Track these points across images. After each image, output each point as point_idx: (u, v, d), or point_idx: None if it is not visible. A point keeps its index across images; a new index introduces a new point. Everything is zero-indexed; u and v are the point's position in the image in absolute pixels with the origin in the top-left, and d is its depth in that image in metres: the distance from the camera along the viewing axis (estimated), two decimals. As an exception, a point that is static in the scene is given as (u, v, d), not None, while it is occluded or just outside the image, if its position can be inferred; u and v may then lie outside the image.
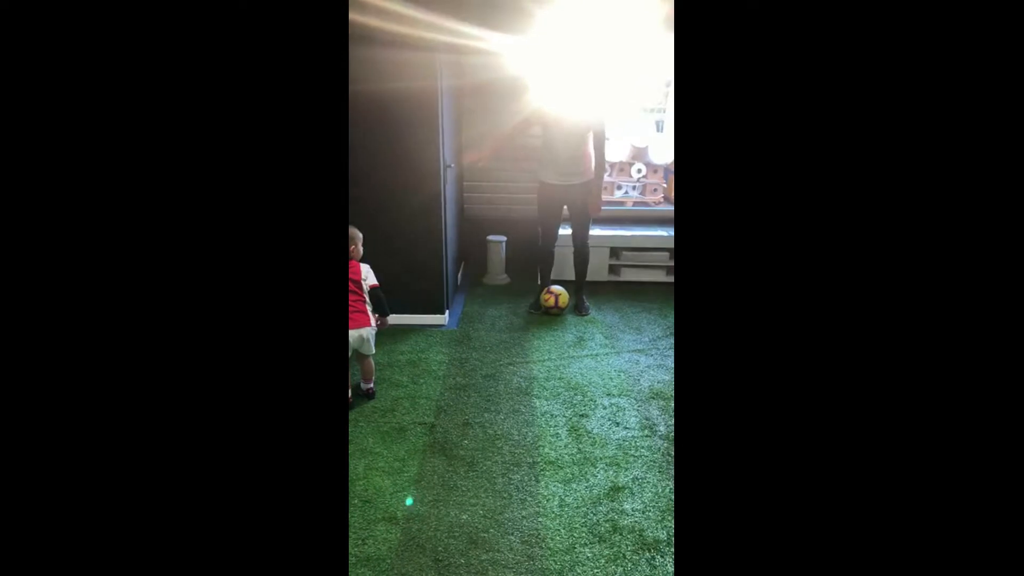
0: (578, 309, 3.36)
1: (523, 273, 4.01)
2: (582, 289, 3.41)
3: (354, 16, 2.50)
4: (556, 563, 1.59)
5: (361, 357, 2.36)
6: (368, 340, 2.30)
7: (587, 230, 3.27)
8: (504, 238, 3.90)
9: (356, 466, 1.98)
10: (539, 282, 3.50)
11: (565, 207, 3.24)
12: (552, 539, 1.67)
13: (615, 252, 3.83)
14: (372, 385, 2.42)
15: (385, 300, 2.40)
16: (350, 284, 2.28)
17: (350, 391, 2.36)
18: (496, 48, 3.35)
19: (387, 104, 2.78)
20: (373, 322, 2.35)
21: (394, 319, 2.86)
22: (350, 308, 2.27)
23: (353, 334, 2.25)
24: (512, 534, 1.69)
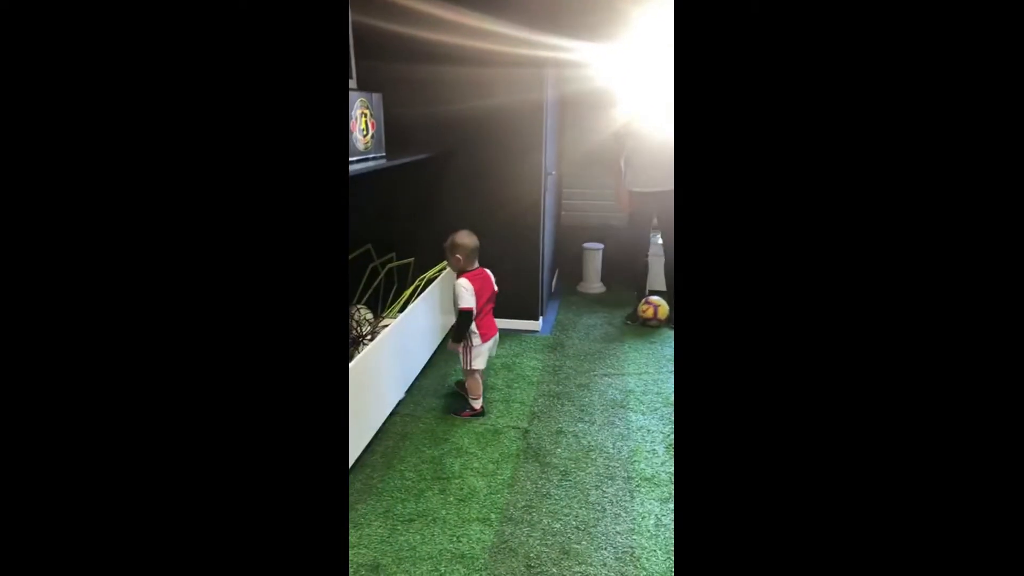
0: (672, 322, 3.25)
1: (619, 282, 3.95)
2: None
3: (469, 41, 2.66)
4: (651, 584, 1.54)
5: None
6: (495, 344, 2.40)
7: None
8: (601, 246, 3.86)
9: (452, 464, 2.04)
10: (635, 292, 3.43)
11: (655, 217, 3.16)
12: (648, 559, 1.62)
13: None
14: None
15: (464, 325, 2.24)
16: (491, 294, 2.32)
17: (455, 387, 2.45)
18: (591, 59, 3.37)
19: (496, 116, 2.86)
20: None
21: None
22: (489, 318, 2.33)
23: (491, 342, 2.33)
24: (605, 549, 1.66)
